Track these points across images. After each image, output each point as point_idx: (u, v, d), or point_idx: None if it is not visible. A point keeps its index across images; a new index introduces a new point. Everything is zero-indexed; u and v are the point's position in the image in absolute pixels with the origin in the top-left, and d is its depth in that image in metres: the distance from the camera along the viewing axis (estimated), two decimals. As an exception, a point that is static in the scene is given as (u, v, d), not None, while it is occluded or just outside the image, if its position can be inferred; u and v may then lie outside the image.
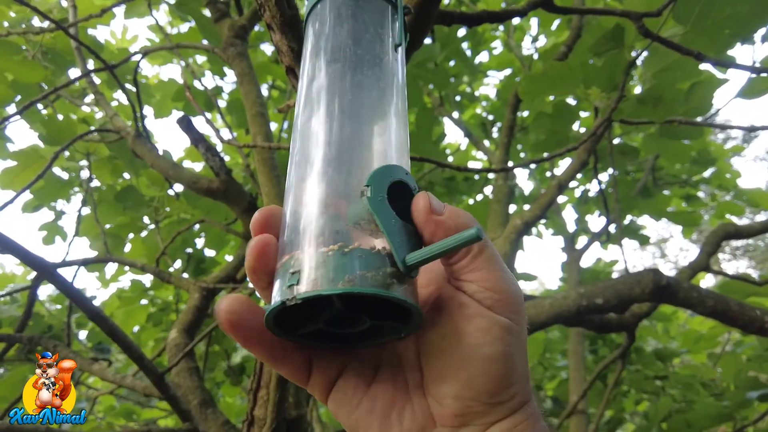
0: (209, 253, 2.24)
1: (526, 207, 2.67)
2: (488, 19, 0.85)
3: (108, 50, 2.14)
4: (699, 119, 1.49)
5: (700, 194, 2.68)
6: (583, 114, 1.97)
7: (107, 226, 1.89)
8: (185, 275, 2.11)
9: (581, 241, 2.70)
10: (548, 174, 2.82)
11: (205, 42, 1.53)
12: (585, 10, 1.00)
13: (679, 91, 1.18)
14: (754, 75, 1.19)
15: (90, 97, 2.57)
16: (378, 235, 0.29)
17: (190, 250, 2.18)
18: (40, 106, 2.18)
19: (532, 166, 2.91)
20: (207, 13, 1.49)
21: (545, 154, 1.31)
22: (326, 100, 0.34)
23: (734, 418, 1.64)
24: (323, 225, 0.30)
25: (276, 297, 0.29)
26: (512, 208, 2.30)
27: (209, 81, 2.31)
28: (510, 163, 1.64)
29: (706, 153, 2.28)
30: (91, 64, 1.72)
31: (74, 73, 2.37)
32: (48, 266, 0.99)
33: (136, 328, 2.30)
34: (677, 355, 2.38)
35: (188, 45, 1.37)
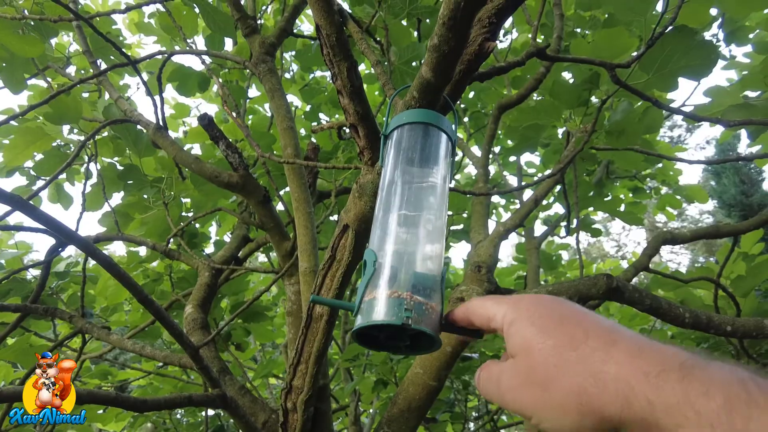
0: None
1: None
2: (497, 73, 1.05)
3: (84, 11, 2.17)
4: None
5: (646, 188, 3.00)
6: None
7: (113, 203, 1.99)
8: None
9: (538, 229, 3.00)
10: (511, 159, 3.10)
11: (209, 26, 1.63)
12: (570, 59, 1.21)
13: (638, 124, 1.42)
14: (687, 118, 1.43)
15: (72, 68, 2.60)
16: (436, 299, 0.48)
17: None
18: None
19: (496, 149, 3.21)
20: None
21: (537, 176, 1.51)
22: (399, 194, 0.54)
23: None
24: (414, 282, 0.49)
25: (388, 315, 0.47)
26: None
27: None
28: (491, 167, 1.85)
29: (654, 150, 2.57)
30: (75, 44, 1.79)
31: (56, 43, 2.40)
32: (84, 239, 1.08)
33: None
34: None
35: (218, 54, 1.47)
